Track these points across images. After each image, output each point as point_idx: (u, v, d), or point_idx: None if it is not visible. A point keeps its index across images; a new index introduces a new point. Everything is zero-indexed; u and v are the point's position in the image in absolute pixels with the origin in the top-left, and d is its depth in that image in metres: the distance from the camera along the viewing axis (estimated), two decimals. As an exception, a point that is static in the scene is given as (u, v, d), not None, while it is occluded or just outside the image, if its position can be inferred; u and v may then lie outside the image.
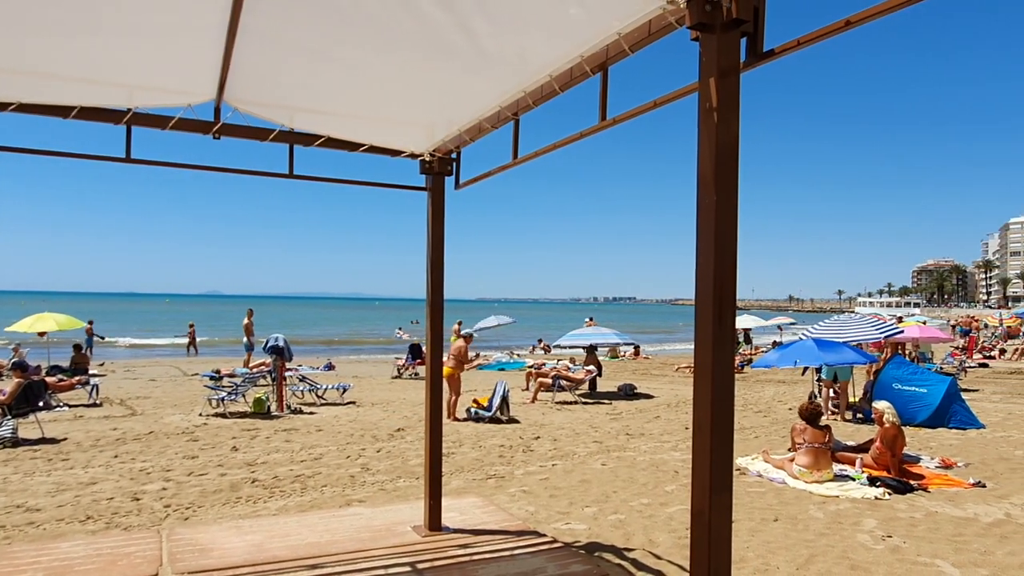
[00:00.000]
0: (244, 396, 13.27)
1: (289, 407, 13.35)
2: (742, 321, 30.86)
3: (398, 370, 21.50)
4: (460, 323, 21.86)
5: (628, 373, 22.70)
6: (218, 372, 15.95)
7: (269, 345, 13.82)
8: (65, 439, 10.13)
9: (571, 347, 20.31)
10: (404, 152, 5.29)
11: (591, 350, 18.90)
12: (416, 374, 20.94)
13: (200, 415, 12.47)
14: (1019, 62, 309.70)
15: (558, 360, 20.69)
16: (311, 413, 13.13)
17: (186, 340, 31.97)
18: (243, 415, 12.54)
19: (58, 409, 12.90)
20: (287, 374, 14.39)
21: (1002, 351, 30.17)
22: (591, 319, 23.53)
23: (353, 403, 14.63)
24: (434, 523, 5.46)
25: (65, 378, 14.57)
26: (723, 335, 2.45)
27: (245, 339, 22.01)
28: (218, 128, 4.48)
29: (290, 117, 4.61)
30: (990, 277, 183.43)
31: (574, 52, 3.28)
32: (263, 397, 12.99)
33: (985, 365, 24.76)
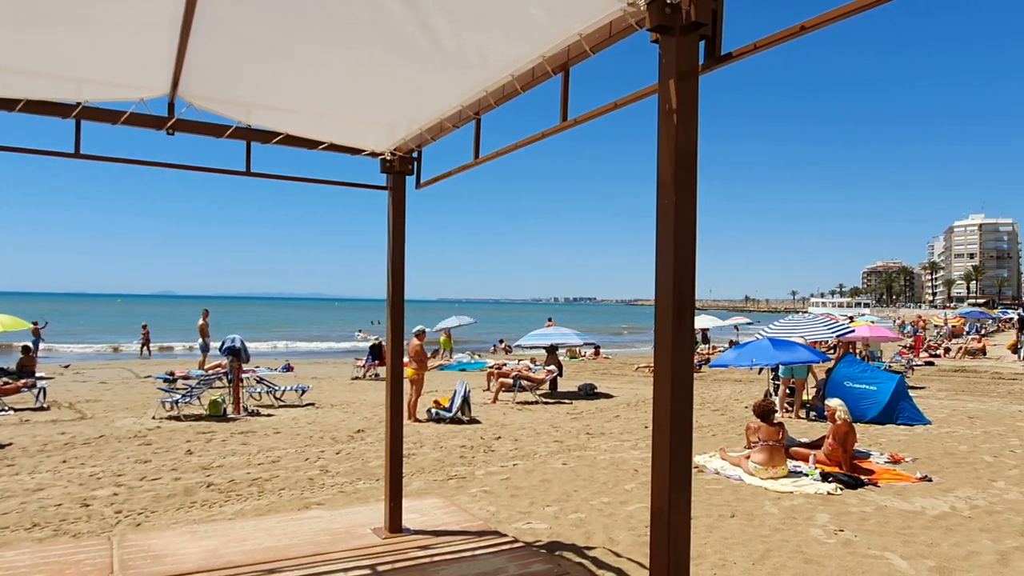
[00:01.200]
0: (199, 398, 12.98)
1: (246, 409, 13.10)
2: (700, 321, 31.34)
3: (359, 371, 21.30)
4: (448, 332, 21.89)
5: (588, 373, 22.86)
6: (172, 374, 15.59)
7: (225, 346, 13.54)
8: (10, 444, 9.77)
9: (532, 347, 20.39)
10: (365, 151, 5.24)
11: (552, 350, 19.00)
12: (377, 375, 20.76)
13: (153, 418, 12.15)
14: (963, 67, 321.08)
15: (519, 360, 20.73)
16: (269, 415, 12.91)
17: (139, 343, 31.18)
18: (198, 418, 12.26)
19: (2, 413, 12.45)
20: (244, 376, 14.13)
21: (947, 350, 31.22)
22: (551, 320, 23.65)
23: (312, 405, 14.43)
24: (394, 525, 5.42)
25: (10, 381, 14.05)
26: (682, 335, 2.48)
27: (200, 340, 21.52)
28: (172, 123, 4.38)
29: (247, 113, 4.52)
30: (935, 278, 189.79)
31: (536, 52, 3.29)
32: (219, 399, 12.72)
33: (931, 363, 25.58)
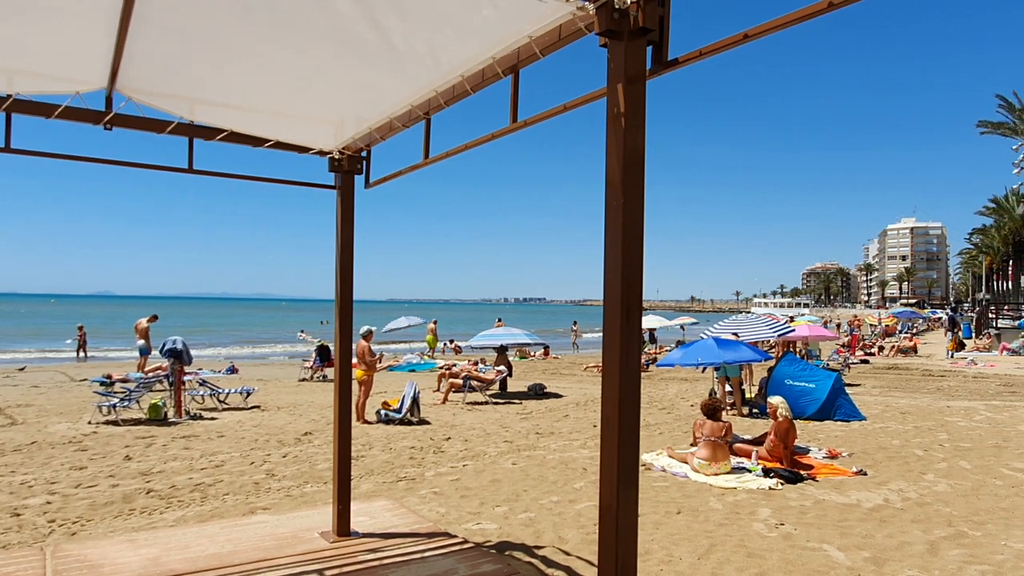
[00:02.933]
0: (139, 402, 12.56)
1: (188, 413, 12.73)
2: (648, 321, 31.83)
3: (307, 372, 20.95)
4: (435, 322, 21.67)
5: (538, 373, 22.98)
6: (109, 377, 15.02)
7: (166, 348, 13.14)
8: (-68, 452, 9.29)
9: (482, 347, 20.40)
10: (312, 149, 5.16)
11: (501, 350, 19.04)
12: (325, 376, 20.45)
13: (89, 423, 11.71)
14: (895, 75, 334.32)
15: (468, 360, 20.70)
16: (212, 419, 12.58)
17: (75, 343, 30.00)
18: (138, 422, 11.87)
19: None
20: (186, 378, 13.73)
21: (881, 348, 32.43)
22: (500, 320, 23.69)
23: (258, 407, 14.12)
24: (343, 528, 5.35)
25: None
26: (631, 335, 2.52)
27: (141, 342, 20.66)
28: (110, 118, 4.23)
29: (190, 109, 4.41)
30: (870, 279, 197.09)
31: (486, 53, 3.29)
32: (159, 403, 12.34)
33: (866, 361, 26.54)
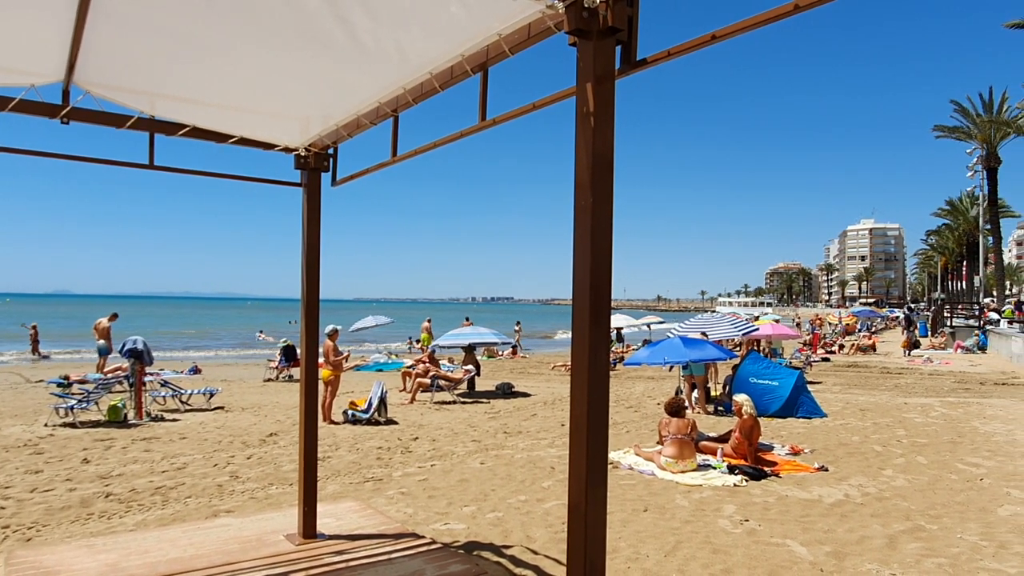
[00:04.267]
0: (97, 404, 12.25)
1: (149, 414, 12.46)
2: (615, 320, 32.07)
3: (272, 372, 20.66)
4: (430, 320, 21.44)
5: (506, 372, 22.98)
6: (67, 378, 14.63)
7: (126, 348, 12.84)
8: None
9: (450, 347, 20.33)
10: (278, 146, 5.08)
11: (469, 350, 19.00)
12: (290, 377, 20.20)
13: (45, 425, 11.38)
14: (856, 78, 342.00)
15: (424, 355, 20.62)
16: (174, 420, 12.33)
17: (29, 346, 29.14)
18: (96, 424, 11.58)
19: None
20: (147, 379, 13.44)
21: (841, 346, 33.14)
22: (468, 319, 23.64)
23: (221, 408, 13.88)
24: (308, 530, 5.28)
25: None
26: (599, 333, 2.53)
27: (101, 342, 20.09)
28: (67, 112, 4.11)
29: (151, 104, 4.30)
30: (831, 279, 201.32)
31: (455, 51, 3.28)
32: (119, 404, 12.04)
33: (827, 359, 27.08)
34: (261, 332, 40.12)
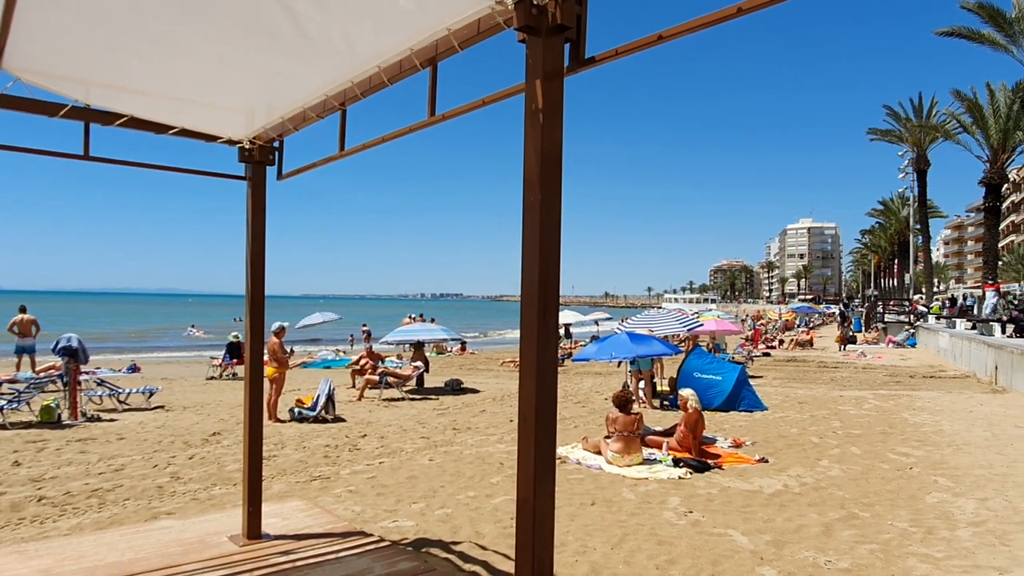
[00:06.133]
0: (29, 404, 11.76)
1: (84, 414, 12.01)
2: (563, 316, 32.31)
3: (215, 370, 20.16)
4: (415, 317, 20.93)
5: (455, 369, 22.93)
6: (-7, 378, 13.97)
7: (60, 346, 12.33)
8: None
9: (398, 343, 20.19)
10: (221, 138, 4.95)
11: (418, 346, 18.90)
12: (234, 374, 19.75)
13: (-30, 428, 10.87)
14: (797, 78, 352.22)
15: (365, 351, 20.43)
16: (111, 420, 11.92)
17: None
18: (28, 425, 11.10)
19: None
20: (82, 378, 12.94)
21: (781, 342, 34.14)
22: (421, 315, 23.48)
23: (162, 407, 13.48)
24: (253, 531, 5.17)
25: None
26: (547, 330, 2.55)
27: (27, 340, 18.93)
28: (-6, 99, 3.92)
29: (86, 92, 4.14)
30: (772, 276, 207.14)
31: (403, 45, 3.25)
32: (52, 404, 11.58)
33: (768, 354, 27.88)
34: (193, 327, 39.10)
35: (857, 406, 13.57)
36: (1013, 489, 7.50)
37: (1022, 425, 11.49)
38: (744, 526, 6.24)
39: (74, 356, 12.22)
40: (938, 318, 33.69)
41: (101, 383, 13.97)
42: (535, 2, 2.48)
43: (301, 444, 9.98)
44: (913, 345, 32.22)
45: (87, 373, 14.11)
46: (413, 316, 27.22)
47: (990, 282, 30.09)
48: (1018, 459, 8.95)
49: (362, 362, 16.23)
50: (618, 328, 16.42)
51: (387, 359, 18.42)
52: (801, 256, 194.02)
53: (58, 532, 6.02)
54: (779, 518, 6.49)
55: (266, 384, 11.52)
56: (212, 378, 19.87)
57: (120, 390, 13.71)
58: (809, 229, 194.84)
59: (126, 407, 13.31)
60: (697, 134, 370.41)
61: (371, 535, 5.38)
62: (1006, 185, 37.75)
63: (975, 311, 26.15)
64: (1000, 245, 52.15)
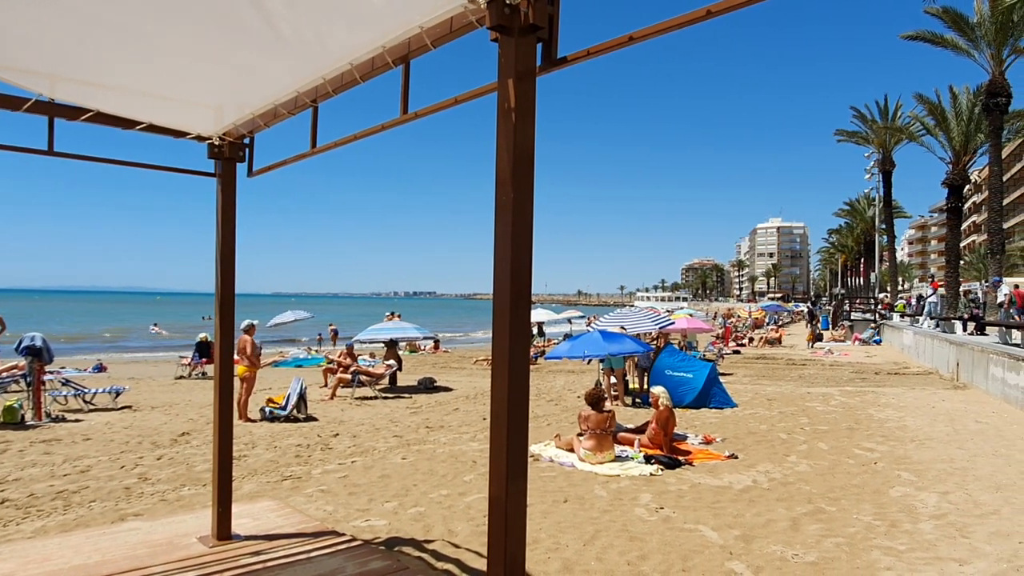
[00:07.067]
0: (-12, 405, 11.47)
1: (49, 415, 11.75)
2: (536, 315, 32.40)
3: (184, 369, 19.86)
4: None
5: (428, 367, 22.87)
6: (-47, 378, 13.62)
7: (23, 346, 12.05)
8: None
9: (371, 342, 20.07)
10: (190, 134, 4.88)
11: (391, 344, 18.81)
12: (204, 373, 19.48)
13: (-72, 429, 10.58)
14: (767, 79, 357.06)
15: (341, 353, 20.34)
16: (77, 421, 11.69)
17: None
18: (-13, 427, 10.84)
19: None
20: (47, 378, 12.66)
21: (750, 339, 34.60)
22: (391, 313, 23.33)
23: (129, 408, 13.24)
24: (223, 532, 5.12)
25: None
26: (520, 328, 2.57)
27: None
28: (-46, 93, 3.83)
29: (51, 86, 4.05)
30: (742, 275, 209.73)
31: (376, 42, 3.24)
32: (15, 405, 11.31)
33: (738, 352, 28.23)
34: (155, 325, 38.47)
35: (824, 403, 13.82)
36: (973, 483, 7.70)
37: (982, 421, 11.80)
38: (714, 521, 6.32)
39: (38, 355, 11.95)
40: (902, 316, 34.40)
41: (66, 383, 13.70)
42: (507, 1, 2.50)
43: (272, 444, 9.88)
44: (878, 343, 32.88)
45: (52, 373, 13.82)
46: (393, 314, 27.08)
47: (931, 280, 30.78)
48: (978, 454, 9.20)
49: (345, 361, 16.03)
50: (592, 327, 16.47)
51: (360, 357, 18.31)
52: (771, 255, 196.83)
53: (22, 535, 5.89)
54: (748, 513, 6.59)
55: (236, 383, 11.40)
56: (181, 377, 19.57)
57: (86, 390, 13.46)
58: (778, 228, 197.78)
59: (92, 407, 13.05)
60: (669, 134, 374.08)
61: (343, 535, 5.36)
62: (968, 186, 38.61)
63: (934, 310, 26.86)
64: (962, 245, 53.42)
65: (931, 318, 26.06)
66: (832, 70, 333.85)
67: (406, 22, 3.03)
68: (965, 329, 20.83)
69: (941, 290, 28.26)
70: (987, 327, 19.96)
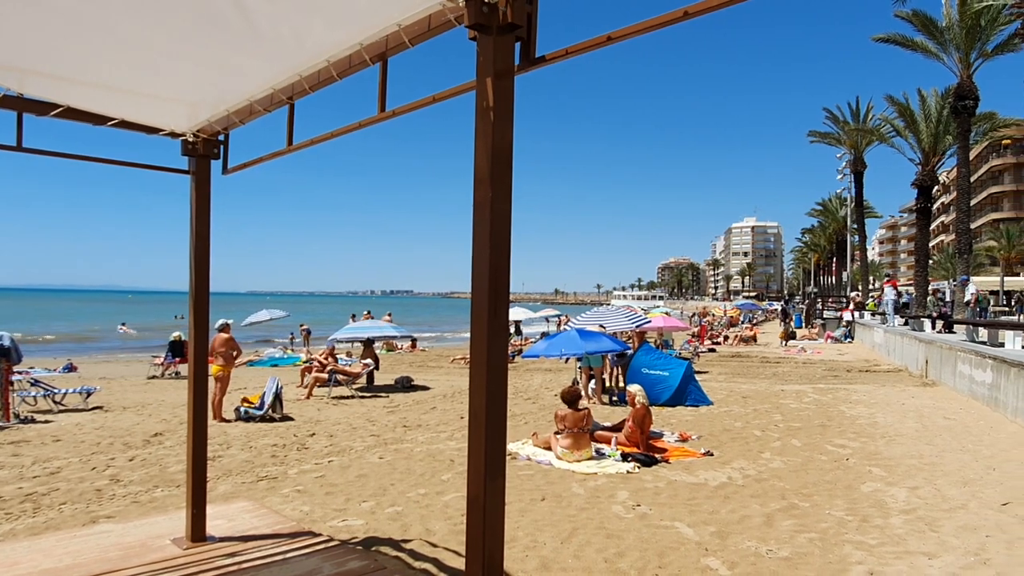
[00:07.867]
0: (-47, 406, 11.21)
1: (17, 416, 11.52)
2: (514, 313, 32.40)
3: (157, 369, 19.58)
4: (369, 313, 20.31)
5: (405, 366, 22.77)
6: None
7: (-11, 345, 11.81)
8: None
9: (348, 340, 19.95)
10: (163, 130, 4.81)
11: (368, 343, 18.71)
12: (177, 373, 19.23)
13: None
14: (741, 79, 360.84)
15: (322, 354, 20.18)
16: (46, 422, 11.47)
17: None
18: (-48, 428, 10.60)
19: None
20: (15, 378, 12.41)
21: (726, 338, 34.93)
22: (368, 312, 23.27)
23: (100, 408, 13.03)
24: (197, 533, 5.06)
25: None
26: (497, 326, 2.57)
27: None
28: (-82, 87, 3.74)
29: (19, 81, 3.97)
30: (717, 274, 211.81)
31: (354, 39, 3.22)
32: (-20, 406, 11.08)
33: (713, 350, 28.48)
34: (123, 325, 37.92)
35: (797, 400, 14.00)
36: (941, 478, 7.86)
37: (950, 417, 12.05)
38: (690, 518, 6.38)
39: (6, 355, 11.71)
40: (873, 315, 34.96)
41: (35, 383, 13.44)
42: (486, 0, 2.50)
43: (247, 444, 9.78)
44: (850, 340, 33.39)
45: (20, 373, 13.55)
46: (369, 313, 26.95)
47: (888, 278, 31.43)
48: (946, 449, 9.39)
49: (327, 361, 15.87)
50: (568, 325, 16.54)
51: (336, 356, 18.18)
52: (745, 254, 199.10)
53: (-12, 539, 5.77)
54: (723, 510, 6.66)
55: (211, 382, 11.27)
56: (154, 377, 19.29)
57: (55, 390, 13.22)
58: (753, 228, 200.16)
59: (62, 408, 12.82)
60: (646, 134, 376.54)
61: (320, 535, 5.33)
62: (937, 187, 39.39)
63: (889, 308, 27.49)
64: (931, 244, 54.42)
65: (892, 314, 26.71)
66: (806, 71, 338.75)
67: (384, 19, 3.02)
68: (934, 327, 21.22)
69: (900, 288, 28.89)
70: (955, 325, 20.36)
